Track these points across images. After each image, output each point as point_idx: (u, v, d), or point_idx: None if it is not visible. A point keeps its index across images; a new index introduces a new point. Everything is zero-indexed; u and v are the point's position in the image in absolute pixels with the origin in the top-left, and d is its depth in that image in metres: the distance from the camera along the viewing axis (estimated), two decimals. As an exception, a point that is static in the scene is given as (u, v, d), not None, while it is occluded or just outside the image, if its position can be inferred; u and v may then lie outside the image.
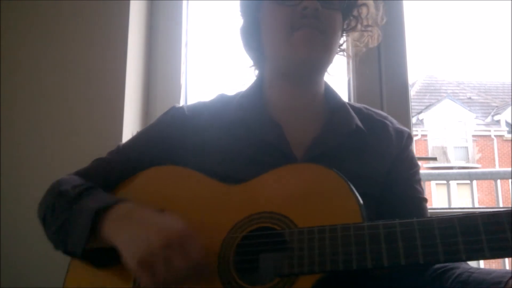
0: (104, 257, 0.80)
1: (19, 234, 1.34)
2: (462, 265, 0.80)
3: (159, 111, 1.54)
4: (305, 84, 0.92)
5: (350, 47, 1.00)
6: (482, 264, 2.43)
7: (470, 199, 3.20)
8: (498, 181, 3.07)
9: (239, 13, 0.97)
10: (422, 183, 0.98)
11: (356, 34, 0.97)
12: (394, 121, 0.98)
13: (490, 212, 0.62)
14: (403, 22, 1.56)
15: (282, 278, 0.67)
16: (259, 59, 0.97)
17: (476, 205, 3.50)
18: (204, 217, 0.78)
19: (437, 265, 0.82)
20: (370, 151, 0.90)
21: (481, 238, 0.59)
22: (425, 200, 0.95)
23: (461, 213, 0.63)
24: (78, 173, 0.93)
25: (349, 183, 0.71)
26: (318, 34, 0.85)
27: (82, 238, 0.76)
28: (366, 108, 0.98)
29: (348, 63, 1.01)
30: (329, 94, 0.96)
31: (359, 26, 0.96)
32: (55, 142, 1.39)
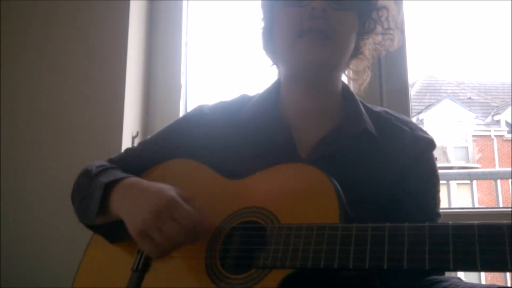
0: (117, 231, 0.85)
1: (19, 234, 1.34)
2: (451, 279, 0.80)
3: (159, 111, 1.55)
4: (315, 86, 0.92)
5: (369, 50, 0.98)
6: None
7: (470, 199, 3.20)
8: (498, 181, 3.07)
9: (260, 15, 0.98)
10: (440, 196, 0.92)
11: (377, 38, 0.96)
12: (417, 127, 0.93)
13: (486, 223, 0.59)
14: (403, 22, 1.56)
15: (257, 269, 0.71)
16: (275, 60, 0.99)
17: (476, 205, 3.50)
18: (202, 206, 0.81)
19: (426, 278, 0.82)
20: (378, 156, 0.88)
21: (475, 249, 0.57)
22: (439, 215, 0.90)
23: (457, 222, 0.61)
24: (110, 160, 1.00)
25: (336, 183, 0.72)
26: (323, 38, 0.84)
27: (93, 211, 0.83)
28: (386, 112, 0.96)
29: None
30: (346, 96, 0.95)
31: (379, 29, 0.94)
32: (55, 142, 1.39)
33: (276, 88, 0.98)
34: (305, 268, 0.67)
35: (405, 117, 0.96)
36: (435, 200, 0.91)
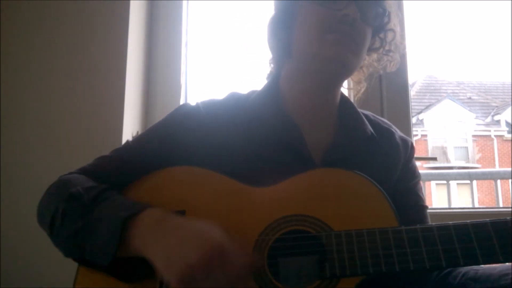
0: (126, 267, 0.76)
1: (19, 234, 1.34)
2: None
3: (159, 111, 1.55)
4: (326, 85, 0.92)
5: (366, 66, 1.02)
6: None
7: (470, 199, 3.20)
8: (498, 181, 3.08)
9: (273, 4, 0.96)
10: (422, 184, 1.00)
11: (375, 55, 0.99)
12: (397, 129, 1.00)
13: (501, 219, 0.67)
14: (403, 22, 1.56)
15: (323, 280, 0.69)
16: (283, 52, 0.94)
17: (476, 205, 3.50)
18: (233, 220, 0.76)
19: None
20: (381, 157, 0.92)
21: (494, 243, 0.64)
22: (427, 207, 0.96)
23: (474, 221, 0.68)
24: (84, 171, 0.87)
25: (381, 188, 0.74)
26: (350, 40, 0.85)
27: (109, 248, 0.71)
28: (373, 116, 1.00)
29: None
30: (343, 100, 0.97)
31: (381, 49, 0.97)
32: (55, 142, 1.39)
33: (274, 87, 0.95)
34: (380, 273, 0.67)
35: (386, 120, 1.01)
36: (423, 194, 0.98)
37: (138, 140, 0.93)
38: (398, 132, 0.99)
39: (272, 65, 1.00)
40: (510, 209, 1.45)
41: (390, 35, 0.97)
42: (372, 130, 0.92)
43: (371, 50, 0.97)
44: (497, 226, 0.66)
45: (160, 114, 1.54)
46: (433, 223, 0.69)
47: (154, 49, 1.58)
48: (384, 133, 0.96)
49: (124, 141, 1.38)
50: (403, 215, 0.89)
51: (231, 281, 0.64)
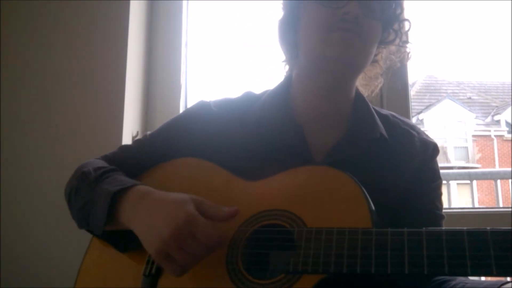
0: (124, 239, 0.83)
1: (19, 234, 1.34)
2: (458, 278, 0.80)
3: (159, 111, 1.55)
4: (335, 86, 0.91)
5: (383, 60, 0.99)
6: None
7: (470, 199, 3.20)
8: (498, 181, 3.07)
9: (280, 5, 0.96)
10: (442, 198, 0.96)
11: (392, 48, 0.97)
12: (421, 131, 0.97)
13: (500, 229, 0.62)
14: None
15: (286, 275, 0.69)
16: (292, 55, 0.95)
17: (476, 205, 3.50)
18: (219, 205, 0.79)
19: (435, 278, 0.83)
20: (391, 160, 0.90)
21: (489, 254, 0.59)
22: (443, 217, 0.93)
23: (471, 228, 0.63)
24: (104, 157, 0.95)
25: (363, 188, 0.72)
26: (355, 37, 0.84)
27: (101, 220, 0.79)
28: (393, 116, 0.97)
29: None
30: (358, 100, 0.95)
31: (397, 40, 0.95)
32: (55, 142, 1.39)
33: (285, 87, 0.96)
34: (340, 273, 0.65)
35: (410, 121, 0.99)
36: (440, 202, 0.94)
37: (154, 133, 0.99)
38: (421, 134, 0.96)
39: (286, 67, 1.00)
40: (510, 209, 1.45)
41: (405, 26, 0.95)
42: (382, 132, 0.90)
43: (386, 43, 0.95)
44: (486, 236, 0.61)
45: (160, 114, 1.54)
46: (405, 228, 0.65)
47: (154, 49, 1.58)
48: (401, 135, 0.93)
49: (124, 141, 1.38)
50: (417, 221, 0.88)
51: (203, 251, 0.70)
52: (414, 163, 0.91)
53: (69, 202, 0.91)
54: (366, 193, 0.72)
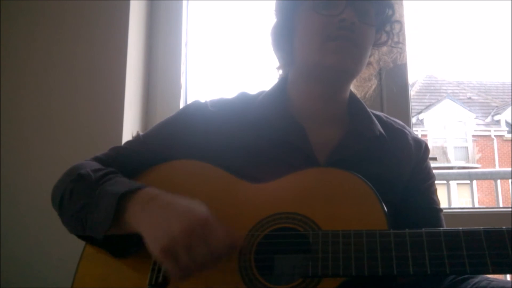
0: (122, 245, 0.80)
1: (19, 234, 1.34)
2: (480, 275, 0.81)
3: (159, 111, 1.55)
4: (331, 91, 0.92)
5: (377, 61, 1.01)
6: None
7: (470, 199, 3.20)
8: (498, 181, 3.07)
9: (274, 12, 0.96)
10: (441, 198, 1.00)
11: (385, 49, 0.98)
12: (411, 130, 1.00)
13: (494, 228, 0.64)
14: (403, 22, 1.56)
15: (305, 279, 0.68)
16: (287, 60, 0.96)
17: (476, 205, 3.50)
18: (226, 213, 0.77)
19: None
20: (391, 158, 0.91)
21: (485, 253, 0.61)
22: (441, 210, 0.96)
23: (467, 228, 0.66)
24: (97, 159, 0.92)
25: (375, 190, 0.73)
26: (351, 46, 0.85)
27: (105, 222, 0.74)
28: (386, 117, 0.99)
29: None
30: (353, 100, 0.96)
31: (389, 42, 0.96)
32: (55, 141, 1.39)
33: (281, 88, 0.96)
34: (362, 276, 0.65)
35: (400, 121, 1.01)
36: (437, 197, 0.97)
37: (148, 134, 0.96)
38: (412, 134, 0.99)
39: (280, 70, 1.00)
40: (510, 209, 1.45)
41: (397, 27, 0.96)
42: (381, 130, 0.91)
43: (378, 44, 0.96)
44: (490, 236, 0.64)
45: (160, 114, 1.54)
46: (423, 229, 0.67)
47: (154, 49, 1.58)
48: (396, 134, 0.95)
49: (124, 141, 1.38)
50: (414, 216, 0.91)
51: (212, 257, 0.66)
52: (412, 161, 0.94)
53: (61, 205, 0.85)
54: (378, 194, 0.72)
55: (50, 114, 1.41)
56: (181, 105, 1.56)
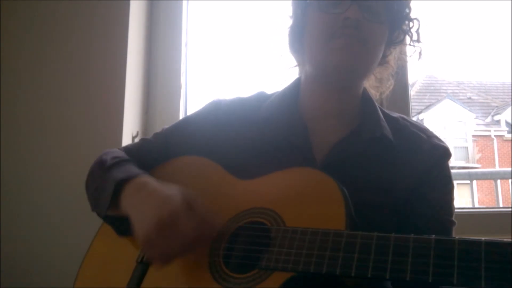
0: (124, 224, 0.86)
1: (19, 234, 1.34)
2: None
3: (159, 111, 1.55)
4: (339, 90, 0.92)
5: (395, 60, 0.99)
6: None
7: (470, 199, 3.20)
8: (498, 181, 3.08)
9: (290, 12, 0.97)
10: (454, 203, 0.93)
11: (403, 48, 0.97)
12: (434, 135, 0.94)
13: (446, 238, 0.61)
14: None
15: (259, 270, 0.71)
16: (300, 60, 0.98)
17: (476, 205, 3.50)
18: (213, 205, 0.82)
19: None
20: (395, 162, 0.88)
21: (429, 262, 0.59)
22: (453, 223, 0.90)
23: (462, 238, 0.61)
24: (125, 148, 1.00)
25: (345, 191, 0.73)
26: (357, 43, 0.84)
27: (105, 204, 0.84)
28: (403, 119, 0.97)
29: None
30: (365, 100, 0.95)
31: (408, 40, 0.95)
32: (55, 142, 1.39)
33: (295, 88, 0.97)
34: (307, 272, 0.67)
35: (422, 125, 0.97)
36: (450, 208, 0.91)
37: (170, 128, 1.03)
38: (432, 138, 0.93)
39: (297, 70, 1.02)
40: (510, 209, 1.45)
41: (414, 25, 0.94)
42: (384, 132, 0.89)
43: (395, 43, 0.94)
44: (440, 245, 0.60)
45: (160, 114, 1.54)
46: (375, 233, 0.65)
47: (154, 49, 1.58)
48: (408, 138, 0.92)
49: (124, 141, 1.38)
50: (427, 228, 0.86)
51: (178, 246, 0.73)
52: (420, 166, 0.89)
53: (87, 185, 0.96)
54: (347, 196, 0.72)
55: (50, 114, 1.41)
56: (181, 105, 1.57)
